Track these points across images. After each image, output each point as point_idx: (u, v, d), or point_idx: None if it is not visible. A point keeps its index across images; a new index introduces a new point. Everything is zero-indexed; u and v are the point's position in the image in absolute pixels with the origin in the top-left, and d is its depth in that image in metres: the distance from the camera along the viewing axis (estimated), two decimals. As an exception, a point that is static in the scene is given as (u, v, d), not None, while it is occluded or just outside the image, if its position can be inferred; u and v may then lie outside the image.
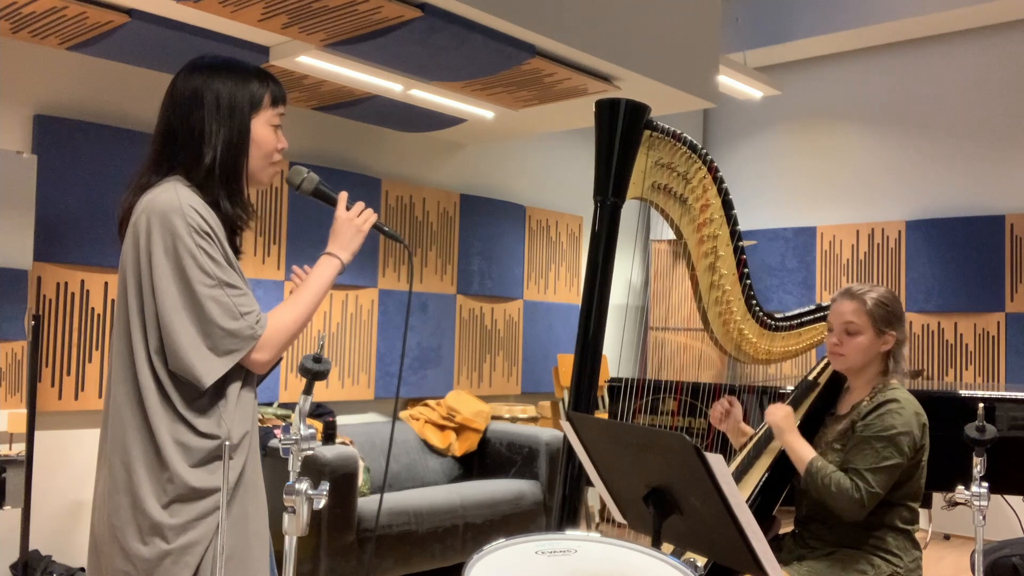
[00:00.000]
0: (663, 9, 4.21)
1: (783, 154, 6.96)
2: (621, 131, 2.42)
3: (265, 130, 1.71)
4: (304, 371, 1.50)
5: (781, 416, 2.32)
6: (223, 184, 1.66)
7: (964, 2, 5.68)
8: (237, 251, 1.72)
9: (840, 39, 6.33)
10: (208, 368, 1.56)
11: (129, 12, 3.31)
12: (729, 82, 5.70)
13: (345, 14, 3.28)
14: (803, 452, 2.27)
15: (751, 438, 2.54)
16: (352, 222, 1.78)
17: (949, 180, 6.15)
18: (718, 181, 2.49)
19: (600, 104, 2.47)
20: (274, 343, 1.63)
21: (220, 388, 1.60)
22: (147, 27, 3.39)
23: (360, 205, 1.80)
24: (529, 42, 3.69)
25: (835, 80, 6.69)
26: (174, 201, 1.57)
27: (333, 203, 1.80)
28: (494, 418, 5.16)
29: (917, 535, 2.28)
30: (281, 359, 1.74)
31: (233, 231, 1.71)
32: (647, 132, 2.46)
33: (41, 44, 3.70)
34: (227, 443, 1.49)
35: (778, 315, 2.61)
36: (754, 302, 2.55)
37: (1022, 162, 5.86)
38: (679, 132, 2.47)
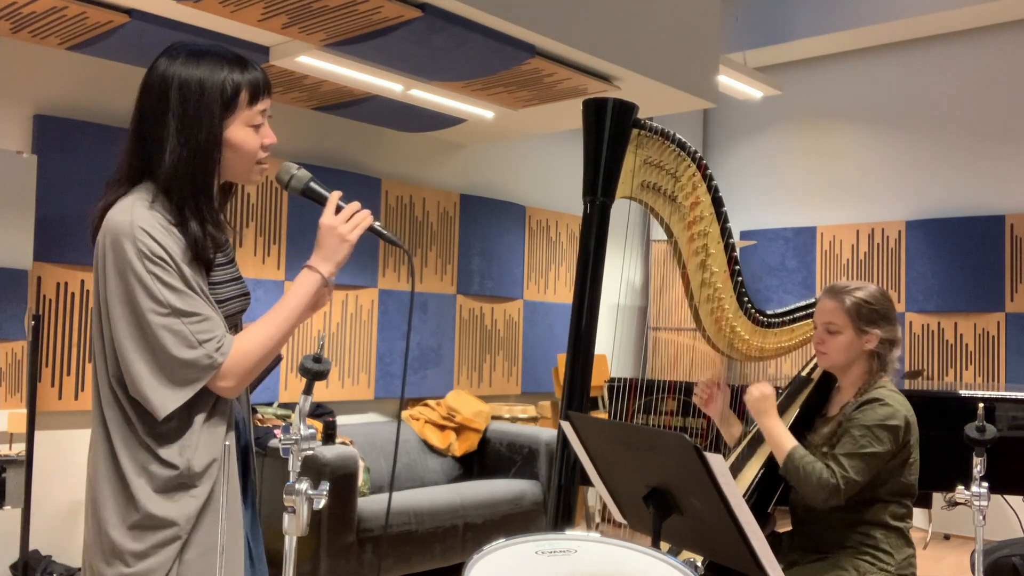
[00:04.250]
0: (663, 9, 4.21)
1: (783, 154, 6.96)
2: (609, 130, 2.41)
3: (243, 133, 1.54)
4: (304, 371, 1.49)
5: (757, 396, 2.28)
6: (190, 203, 1.50)
7: (964, 2, 5.68)
8: (210, 266, 1.55)
9: (840, 39, 6.33)
10: (162, 399, 1.46)
11: (129, 12, 3.31)
12: (729, 82, 5.70)
13: (345, 14, 3.28)
14: (783, 439, 2.23)
15: (746, 433, 2.54)
16: (335, 231, 1.59)
17: (949, 180, 6.15)
18: (707, 179, 2.48)
19: (587, 104, 2.46)
20: (238, 370, 1.50)
21: (188, 414, 1.50)
22: (147, 27, 3.39)
23: (352, 208, 1.62)
24: (529, 42, 3.69)
25: (835, 80, 6.68)
26: (125, 224, 1.45)
27: (324, 203, 1.63)
28: (494, 418, 5.15)
29: (917, 535, 2.28)
30: (280, 359, 1.69)
31: (206, 250, 1.54)
32: (635, 131, 2.45)
33: (41, 44, 3.70)
34: (226, 444, 1.48)
35: (770, 312, 2.61)
36: (746, 299, 2.55)
37: (1022, 162, 5.86)
38: (667, 130, 2.46)
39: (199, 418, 1.51)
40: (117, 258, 1.46)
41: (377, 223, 1.64)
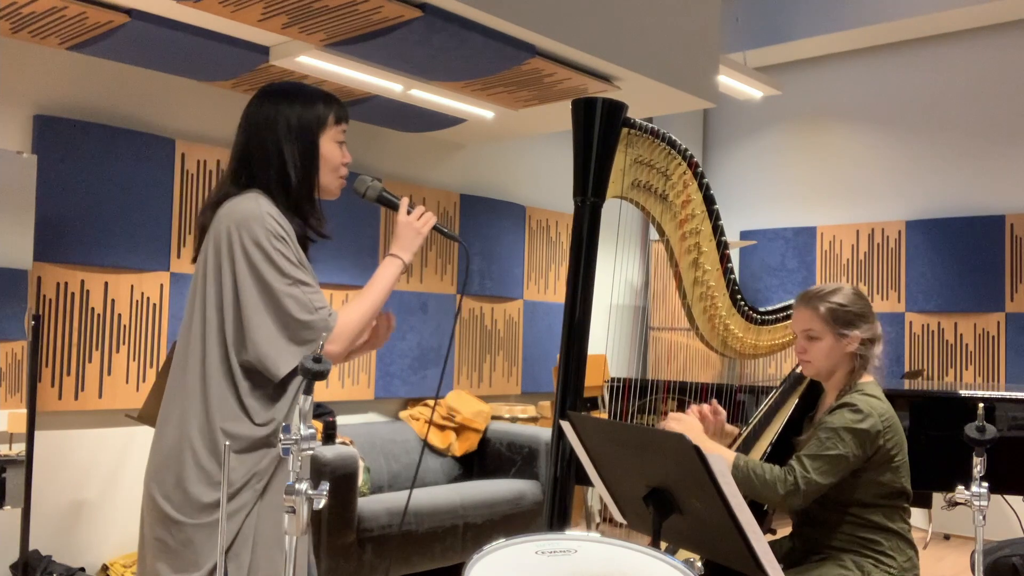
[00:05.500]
0: (663, 9, 4.21)
1: (783, 154, 6.96)
2: (599, 130, 2.41)
3: (331, 146, 1.87)
4: (304, 371, 1.50)
5: (687, 424, 2.27)
6: (303, 197, 1.83)
7: (964, 2, 5.68)
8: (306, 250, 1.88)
9: (840, 39, 6.33)
10: (286, 357, 1.72)
11: (129, 12, 3.31)
12: (729, 82, 5.70)
13: (345, 14, 3.28)
14: (721, 452, 2.21)
15: (739, 435, 2.54)
16: (411, 225, 1.95)
17: (949, 180, 6.15)
18: (699, 176, 2.47)
19: (577, 103, 2.44)
20: (345, 335, 1.79)
21: (283, 383, 1.76)
22: (147, 27, 3.39)
23: (420, 209, 1.97)
24: (529, 42, 3.69)
25: (835, 80, 6.69)
26: (255, 209, 1.74)
27: (396, 208, 1.97)
28: (494, 418, 5.15)
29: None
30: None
31: (305, 242, 1.86)
32: (625, 130, 2.44)
33: (41, 44, 3.70)
34: (227, 444, 1.51)
35: (763, 309, 2.61)
36: (739, 296, 2.54)
37: (1022, 162, 5.86)
38: (657, 128, 2.46)
39: (292, 386, 1.79)
40: (246, 238, 1.72)
41: (439, 224, 2.01)
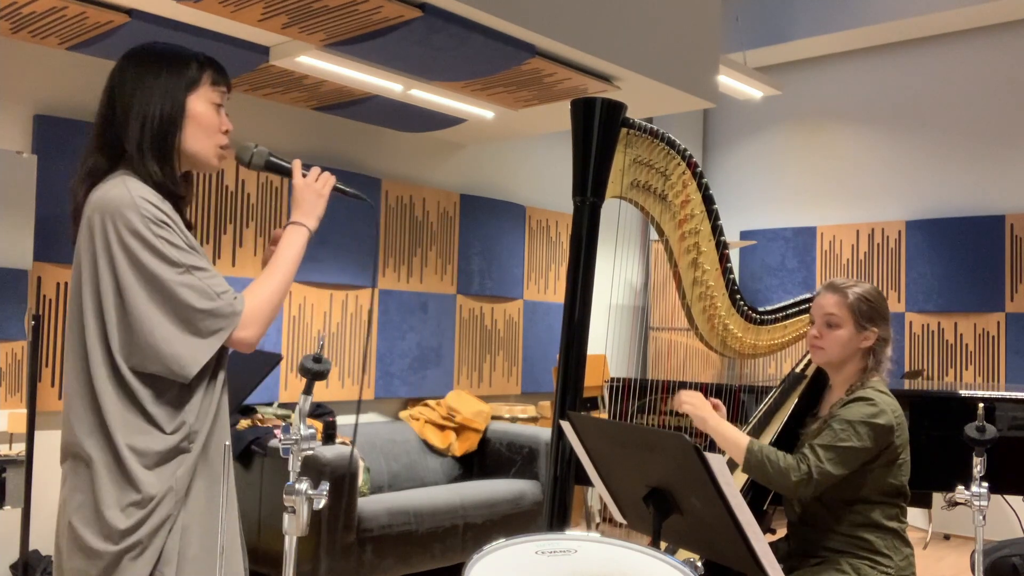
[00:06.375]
0: (663, 9, 4.21)
1: (783, 154, 6.96)
2: (598, 130, 2.41)
3: (203, 106, 1.67)
4: (304, 371, 1.50)
5: (690, 405, 2.28)
6: (155, 158, 1.62)
7: (964, 2, 5.68)
8: (190, 228, 1.68)
9: (840, 39, 6.33)
10: (193, 354, 1.53)
11: (129, 12, 3.31)
12: (729, 82, 5.70)
13: (345, 14, 3.28)
14: (736, 436, 2.21)
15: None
16: (311, 187, 1.76)
17: (949, 180, 6.15)
18: (698, 176, 2.47)
19: (575, 103, 2.45)
20: (256, 319, 1.61)
21: (186, 387, 1.58)
22: (147, 27, 3.39)
23: (316, 170, 1.78)
24: (529, 42, 3.69)
25: (835, 80, 6.68)
26: (125, 195, 1.54)
27: (288, 174, 1.78)
28: (494, 418, 5.15)
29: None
30: (280, 358, 1.72)
31: (180, 210, 1.66)
32: (624, 130, 2.44)
33: (41, 44, 3.70)
34: (227, 444, 1.50)
35: (762, 309, 2.61)
36: (738, 296, 2.55)
37: (1022, 162, 5.86)
38: (656, 128, 2.46)
39: (201, 384, 1.60)
40: (122, 229, 1.52)
41: (339, 183, 1.81)
